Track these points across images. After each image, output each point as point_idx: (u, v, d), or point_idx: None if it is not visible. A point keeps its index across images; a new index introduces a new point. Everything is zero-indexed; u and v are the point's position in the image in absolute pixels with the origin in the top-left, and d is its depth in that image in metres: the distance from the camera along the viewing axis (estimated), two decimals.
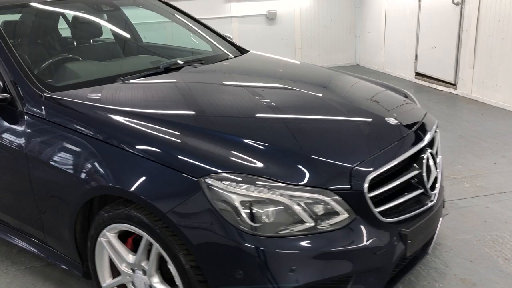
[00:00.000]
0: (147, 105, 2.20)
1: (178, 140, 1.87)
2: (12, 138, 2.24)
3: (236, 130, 1.98)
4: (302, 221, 1.70)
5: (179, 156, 1.79)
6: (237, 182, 1.69)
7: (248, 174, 1.71)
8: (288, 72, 2.95)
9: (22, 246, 2.49)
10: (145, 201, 1.77)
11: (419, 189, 2.01)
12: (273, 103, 2.24)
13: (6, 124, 2.29)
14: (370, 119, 2.17)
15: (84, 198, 1.98)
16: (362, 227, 1.78)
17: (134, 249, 1.99)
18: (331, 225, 1.73)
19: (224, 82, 2.64)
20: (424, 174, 2.02)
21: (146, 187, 1.79)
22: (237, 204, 1.66)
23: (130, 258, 1.97)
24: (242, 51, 3.30)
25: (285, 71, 2.95)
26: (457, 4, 5.81)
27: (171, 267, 1.81)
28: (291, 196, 1.69)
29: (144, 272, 1.95)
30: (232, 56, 3.11)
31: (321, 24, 7.96)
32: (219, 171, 1.71)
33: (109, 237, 1.99)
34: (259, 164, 1.76)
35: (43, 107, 2.18)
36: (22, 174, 2.23)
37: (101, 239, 2.02)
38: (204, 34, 3.51)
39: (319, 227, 1.72)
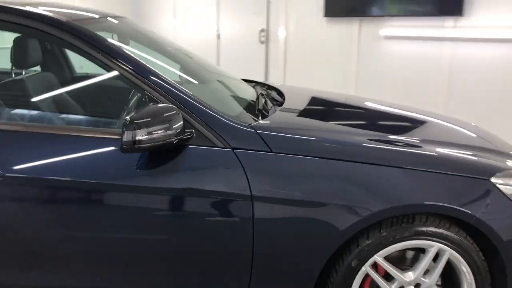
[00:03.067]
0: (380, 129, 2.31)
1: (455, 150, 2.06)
2: (220, 183, 1.83)
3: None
4: None
5: (464, 163, 2.00)
6: None
7: None
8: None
9: None
10: (454, 210, 1.89)
11: None
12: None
13: (200, 169, 1.85)
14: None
15: (358, 226, 1.88)
16: None
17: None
18: None
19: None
20: None
21: (450, 197, 1.91)
22: None
23: (409, 275, 1.97)
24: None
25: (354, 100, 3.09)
26: (262, 42, 6.79)
27: (466, 272, 1.95)
28: None
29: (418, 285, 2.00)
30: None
31: None
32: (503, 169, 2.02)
33: (379, 261, 1.94)
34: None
35: (262, 140, 1.89)
36: (237, 228, 1.85)
37: (366, 268, 1.94)
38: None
39: None
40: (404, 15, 5.55)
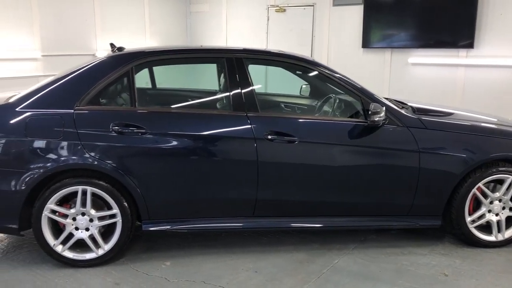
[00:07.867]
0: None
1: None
2: (403, 144, 3.51)
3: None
4: None
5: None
6: None
7: None
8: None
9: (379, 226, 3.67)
10: None
11: None
12: None
13: (392, 136, 3.52)
14: None
15: (469, 168, 3.55)
16: None
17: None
18: None
19: None
20: None
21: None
22: None
23: (496, 194, 3.67)
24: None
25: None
26: None
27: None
28: None
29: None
30: None
31: None
32: None
33: (481, 186, 3.62)
34: None
35: (421, 122, 3.59)
36: (411, 168, 3.52)
37: (474, 190, 3.62)
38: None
39: None
40: (428, 47, 7.41)
